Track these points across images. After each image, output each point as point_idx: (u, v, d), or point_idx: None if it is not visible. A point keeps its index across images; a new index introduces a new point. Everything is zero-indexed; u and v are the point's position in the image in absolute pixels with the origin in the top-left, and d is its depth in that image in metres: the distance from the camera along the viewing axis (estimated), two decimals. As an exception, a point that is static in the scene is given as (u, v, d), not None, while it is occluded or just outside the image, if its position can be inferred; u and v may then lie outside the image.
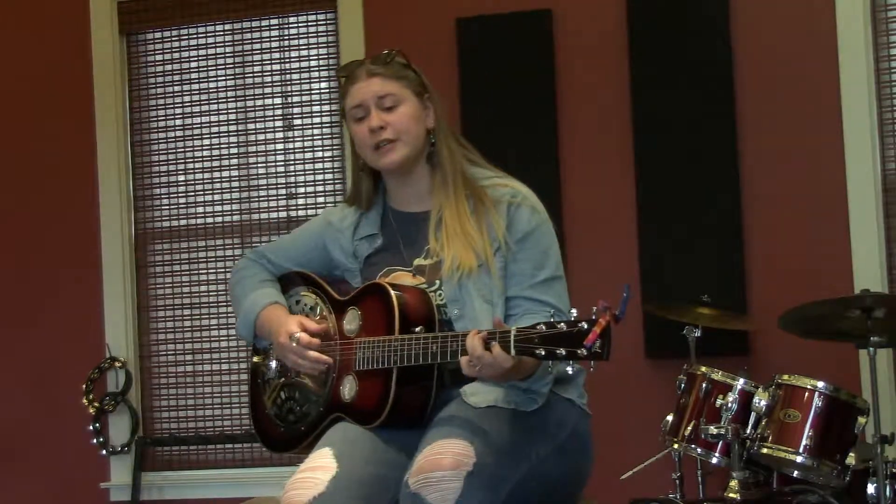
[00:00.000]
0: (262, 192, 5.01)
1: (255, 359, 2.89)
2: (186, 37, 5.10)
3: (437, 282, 2.64)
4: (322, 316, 2.75)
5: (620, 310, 2.25)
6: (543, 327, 2.29)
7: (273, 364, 2.81)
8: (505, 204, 2.66)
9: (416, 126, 2.70)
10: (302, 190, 4.96)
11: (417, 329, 2.54)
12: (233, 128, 5.04)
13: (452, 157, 2.72)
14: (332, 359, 2.67)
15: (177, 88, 5.09)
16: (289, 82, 5.00)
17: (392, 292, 2.58)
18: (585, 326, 2.25)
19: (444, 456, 2.40)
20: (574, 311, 2.31)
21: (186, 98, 5.09)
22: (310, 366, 2.68)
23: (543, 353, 2.27)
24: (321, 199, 4.92)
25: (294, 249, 2.89)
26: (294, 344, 2.66)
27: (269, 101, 5.01)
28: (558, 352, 2.26)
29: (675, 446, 3.71)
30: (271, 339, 2.76)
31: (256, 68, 5.02)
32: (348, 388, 2.63)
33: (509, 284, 2.63)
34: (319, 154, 4.95)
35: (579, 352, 2.24)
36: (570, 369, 2.31)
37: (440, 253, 2.66)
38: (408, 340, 2.50)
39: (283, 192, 4.98)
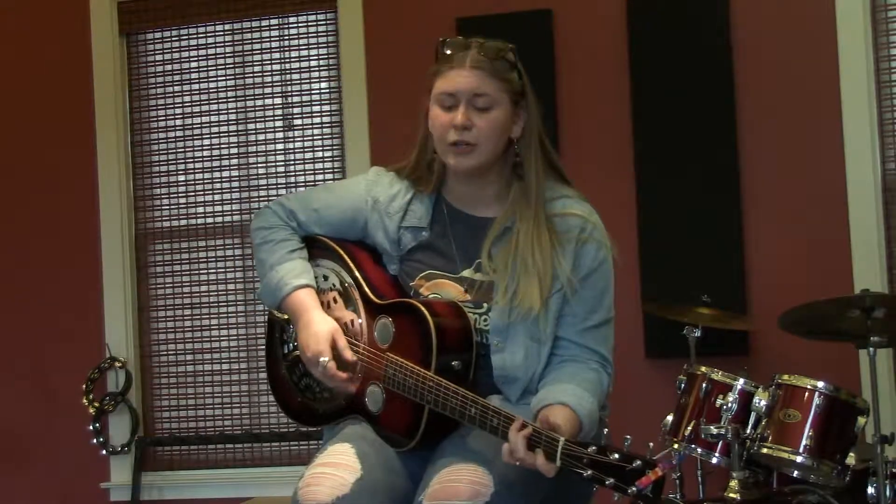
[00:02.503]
0: (262, 192, 5.00)
1: (277, 313, 2.72)
2: (186, 37, 5.10)
3: (485, 306, 2.53)
4: (351, 308, 2.61)
5: (678, 459, 2.22)
6: (594, 448, 2.21)
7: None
8: (573, 240, 2.54)
9: (500, 136, 2.54)
10: (302, 190, 4.96)
11: (454, 363, 2.44)
12: (233, 128, 5.04)
13: (538, 177, 2.56)
14: (355, 388, 2.55)
15: (177, 88, 5.09)
16: (289, 82, 5.00)
17: (431, 323, 2.44)
18: (640, 465, 2.19)
19: (461, 484, 2.33)
20: (628, 438, 2.25)
21: (186, 98, 5.08)
22: (332, 386, 2.58)
23: (589, 474, 2.21)
24: (321, 199, 4.92)
25: (329, 217, 2.68)
26: (320, 369, 2.53)
27: (269, 101, 5.01)
28: (607, 481, 2.20)
29: (675, 446, 3.71)
30: (296, 330, 2.61)
31: (256, 68, 5.02)
32: (374, 399, 2.53)
33: (562, 322, 2.53)
34: (319, 154, 4.95)
35: (630, 490, 2.19)
36: (616, 496, 2.24)
37: (493, 275, 2.53)
38: (444, 389, 2.38)
39: (283, 192, 4.98)
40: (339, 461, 2.44)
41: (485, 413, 2.33)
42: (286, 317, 2.69)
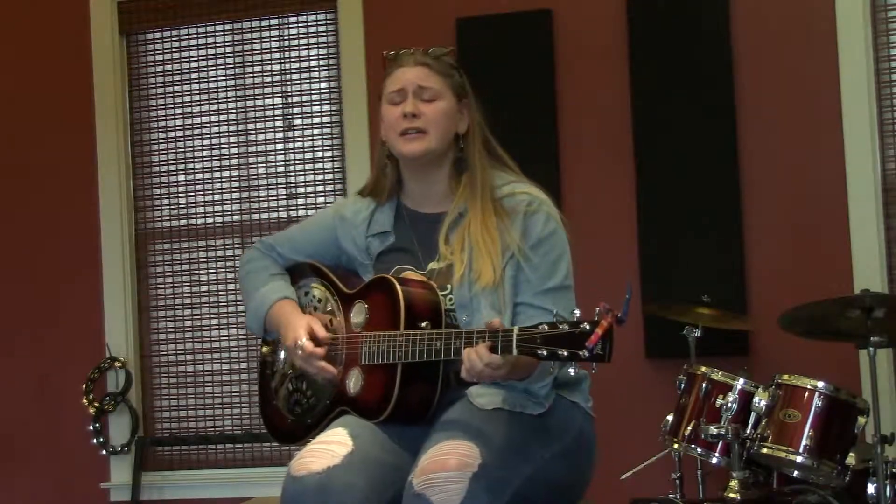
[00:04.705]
0: (262, 192, 5.01)
1: (264, 349, 2.88)
2: (186, 37, 5.10)
3: (448, 286, 2.64)
4: (329, 310, 2.75)
5: (623, 311, 2.24)
6: (546, 327, 2.28)
7: (282, 355, 2.81)
8: (521, 213, 2.66)
9: (447, 124, 2.71)
10: (302, 190, 4.96)
11: (423, 324, 2.54)
12: (233, 128, 5.04)
13: (483, 167, 2.72)
14: (336, 369, 2.66)
15: (177, 88, 5.09)
16: (289, 82, 4.99)
17: (398, 287, 2.58)
18: (588, 328, 2.24)
19: (449, 457, 2.40)
20: (577, 312, 2.30)
21: (186, 98, 5.08)
22: (315, 372, 2.68)
23: (545, 353, 2.27)
24: (321, 199, 4.92)
25: (304, 243, 2.88)
26: (300, 352, 2.66)
27: (269, 101, 5.01)
28: (560, 352, 2.25)
29: (675, 446, 3.71)
30: (280, 337, 2.77)
31: (256, 68, 5.02)
32: (354, 382, 2.63)
33: (518, 290, 2.63)
34: (319, 154, 4.95)
35: (581, 353, 2.24)
36: (572, 370, 2.30)
37: (450, 257, 2.65)
38: (412, 336, 2.50)
39: (283, 192, 4.98)
40: (333, 439, 2.54)
41: (448, 340, 2.44)
42: (270, 349, 2.83)
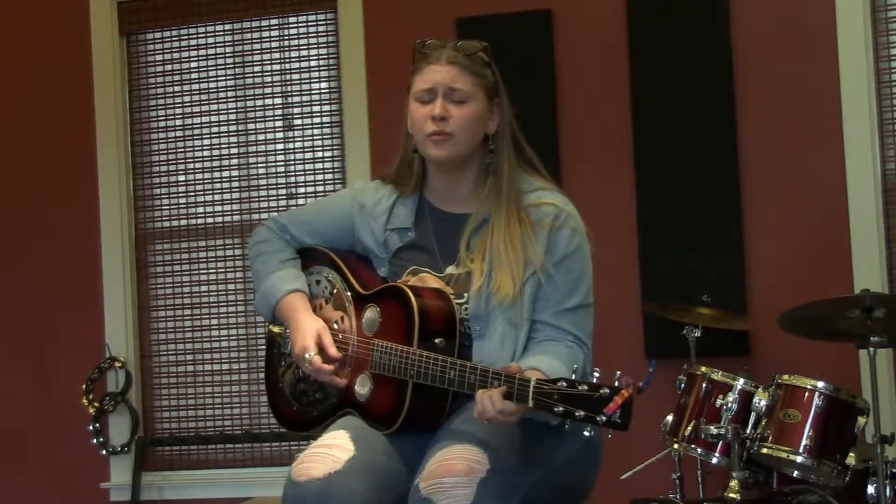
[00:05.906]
0: (262, 192, 5.01)
1: (274, 329, 2.82)
2: (186, 37, 5.10)
3: (466, 296, 2.60)
4: (340, 305, 2.71)
5: (645, 382, 2.26)
6: (564, 384, 2.27)
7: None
8: (546, 228, 2.61)
9: (476, 128, 2.65)
10: (302, 190, 4.96)
11: (437, 341, 2.51)
12: (233, 128, 5.04)
13: (510, 170, 2.66)
14: (345, 381, 2.63)
15: (177, 88, 5.09)
16: (289, 82, 5.00)
17: (413, 300, 2.53)
18: (608, 392, 2.24)
19: (457, 462, 2.39)
20: (597, 373, 2.30)
21: (186, 98, 5.09)
22: (323, 381, 2.66)
23: (562, 409, 2.26)
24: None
25: (320, 227, 2.81)
26: (307, 365, 2.63)
27: (269, 101, 5.01)
28: (577, 413, 2.25)
29: (675, 446, 3.71)
30: (288, 332, 2.73)
31: (256, 68, 5.02)
32: (363, 387, 2.61)
33: (537, 307, 2.60)
34: (319, 154, 4.95)
35: (598, 418, 2.23)
36: (587, 432, 2.30)
37: (470, 265, 2.61)
38: (426, 358, 2.46)
39: (283, 192, 4.98)
40: (334, 443, 2.52)
41: (463, 372, 2.41)
42: (280, 331, 2.79)
